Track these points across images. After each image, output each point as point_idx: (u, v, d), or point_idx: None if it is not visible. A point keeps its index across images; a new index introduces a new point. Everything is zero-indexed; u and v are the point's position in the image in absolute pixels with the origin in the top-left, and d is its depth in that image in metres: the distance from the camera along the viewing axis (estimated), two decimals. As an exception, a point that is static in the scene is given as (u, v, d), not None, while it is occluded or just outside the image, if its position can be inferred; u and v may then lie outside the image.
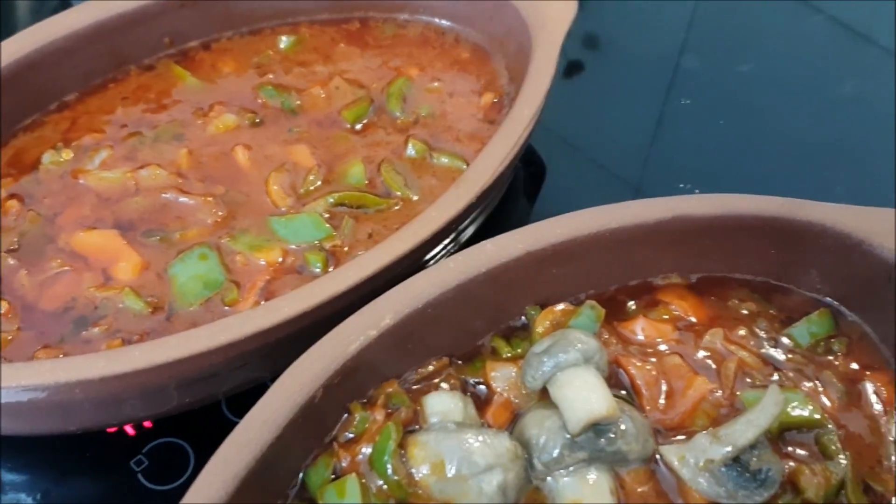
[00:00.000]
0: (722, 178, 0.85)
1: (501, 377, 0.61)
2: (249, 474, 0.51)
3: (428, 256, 0.67)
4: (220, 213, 0.71)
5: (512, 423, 0.60)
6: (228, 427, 0.65)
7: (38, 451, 0.64)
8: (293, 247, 0.69)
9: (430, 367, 0.62)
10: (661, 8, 1.04)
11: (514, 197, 0.86)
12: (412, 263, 0.65)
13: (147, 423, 0.65)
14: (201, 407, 0.63)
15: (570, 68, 0.97)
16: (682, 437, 0.59)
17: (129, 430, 0.65)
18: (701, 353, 0.63)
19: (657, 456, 0.58)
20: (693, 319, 0.65)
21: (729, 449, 0.55)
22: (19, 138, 0.75)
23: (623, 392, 0.61)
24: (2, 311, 0.64)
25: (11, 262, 0.67)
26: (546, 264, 0.64)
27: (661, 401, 0.61)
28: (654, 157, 0.88)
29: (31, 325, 0.64)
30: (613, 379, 0.61)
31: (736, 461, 0.56)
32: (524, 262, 0.63)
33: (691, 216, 0.65)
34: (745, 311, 0.66)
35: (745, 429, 0.56)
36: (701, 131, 0.90)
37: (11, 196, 0.71)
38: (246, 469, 0.51)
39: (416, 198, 0.73)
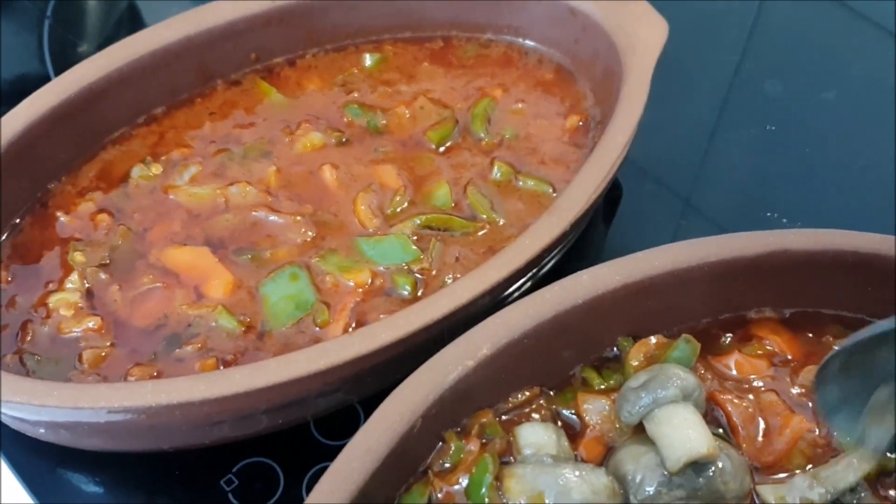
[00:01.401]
0: (809, 208, 0.83)
1: (594, 410, 0.61)
2: (352, 504, 0.51)
3: (517, 285, 0.66)
4: (309, 233, 0.70)
5: (605, 457, 0.59)
6: (317, 447, 0.65)
7: (125, 466, 0.64)
8: (381, 269, 0.69)
9: (522, 397, 0.61)
10: (735, 26, 1.03)
11: (593, 223, 0.85)
12: (502, 292, 0.65)
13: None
14: (290, 428, 0.63)
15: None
16: (779, 475, 0.58)
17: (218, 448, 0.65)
18: (796, 390, 0.62)
19: (753, 495, 0.57)
20: (788, 355, 0.64)
21: (829, 491, 0.54)
22: (108, 151, 0.76)
23: (720, 430, 0.60)
24: (95, 328, 0.64)
25: (103, 276, 0.67)
26: (642, 297, 0.63)
27: (758, 439, 0.60)
28: (733, 185, 0.87)
29: (123, 342, 0.64)
30: (709, 416, 0.60)
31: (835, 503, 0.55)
32: (620, 294, 0.62)
33: (791, 251, 0.64)
34: (839, 348, 0.65)
35: (846, 471, 0.55)
36: (785, 159, 0.89)
37: (101, 210, 0.72)
38: (349, 499, 0.50)
39: (502, 221, 0.73)
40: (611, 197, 0.87)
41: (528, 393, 0.61)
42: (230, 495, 0.63)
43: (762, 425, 0.60)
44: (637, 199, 0.87)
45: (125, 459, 0.64)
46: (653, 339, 0.63)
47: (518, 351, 0.59)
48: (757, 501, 0.57)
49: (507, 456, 0.58)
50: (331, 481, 0.51)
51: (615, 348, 0.64)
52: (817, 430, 0.60)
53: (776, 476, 0.59)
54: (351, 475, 0.51)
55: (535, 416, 0.61)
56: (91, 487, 0.64)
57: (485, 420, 0.59)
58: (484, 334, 0.58)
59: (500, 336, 0.59)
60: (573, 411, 0.61)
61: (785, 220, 0.82)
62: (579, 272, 0.62)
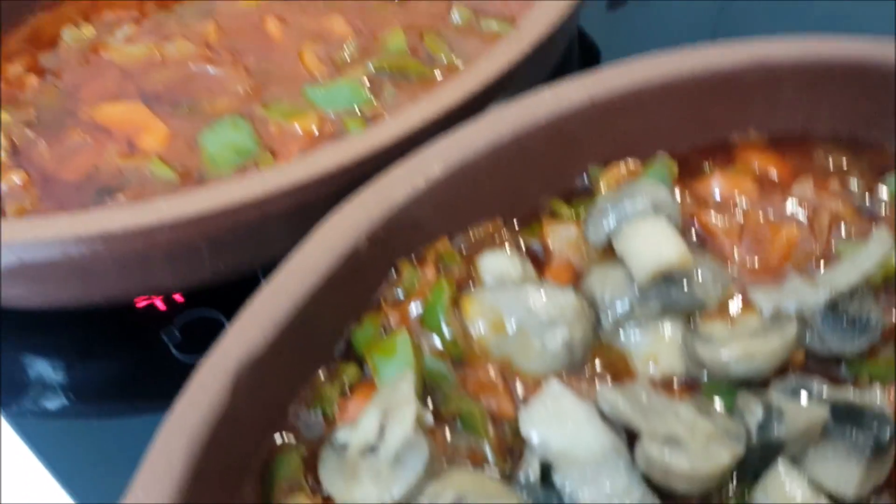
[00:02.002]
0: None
1: (560, 237, 0.55)
2: (289, 323, 0.46)
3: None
4: (251, 84, 0.66)
5: (573, 284, 0.54)
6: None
7: (61, 328, 0.60)
8: (331, 115, 0.64)
9: (483, 230, 0.56)
10: None
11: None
12: (457, 121, 0.59)
13: (179, 298, 0.60)
14: (240, 280, 0.58)
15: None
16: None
17: (161, 305, 0.60)
18: (789, 205, 0.57)
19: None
20: (774, 173, 0.59)
21: (828, 292, 0.49)
22: (37, 17, 0.71)
23: (700, 245, 0.54)
24: (20, 183, 0.60)
25: (30, 134, 0.63)
26: (612, 116, 0.57)
27: (747, 254, 0.54)
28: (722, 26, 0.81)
29: (50, 196, 0.60)
30: (689, 234, 0.55)
31: (833, 309, 0.49)
32: (588, 113, 0.57)
33: (772, 62, 0.59)
34: (833, 165, 0.59)
35: (848, 271, 0.49)
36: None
37: (29, 71, 0.67)
38: (285, 318, 0.46)
39: (461, 64, 0.67)
40: (587, 59, 0.82)
41: (490, 225, 0.56)
42: (173, 350, 0.58)
43: (750, 239, 0.55)
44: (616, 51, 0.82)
45: (58, 319, 0.59)
46: (626, 165, 0.58)
47: (475, 175, 0.54)
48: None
49: (466, 285, 0.53)
50: (263, 298, 0.46)
51: (585, 177, 0.59)
52: (813, 243, 0.55)
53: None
54: (286, 293, 0.46)
55: (500, 247, 0.56)
56: (28, 357, 0.60)
57: (442, 248, 0.54)
58: (436, 153, 0.53)
59: (453, 154, 0.53)
60: (538, 242, 0.56)
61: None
62: (542, 88, 0.56)
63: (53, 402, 0.58)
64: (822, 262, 0.54)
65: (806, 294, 0.49)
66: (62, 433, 0.57)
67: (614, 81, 0.57)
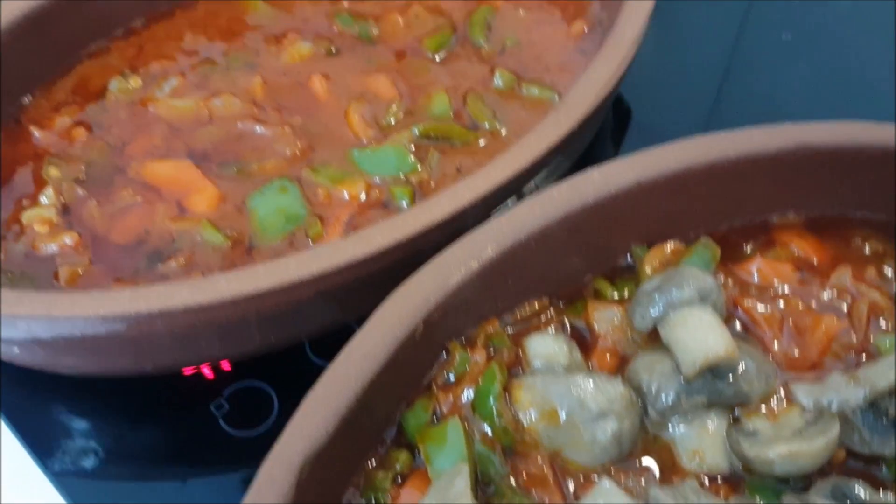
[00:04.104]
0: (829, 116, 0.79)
1: (604, 319, 0.56)
2: (350, 412, 0.46)
3: (521, 192, 0.62)
4: (298, 145, 0.66)
5: (618, 369, 0.55)
6: (314, 371, 0.60)
7: (109, 394, 0.60)
8: (377, 180, 0.64)
9: (530, 308, 0.57)
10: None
11: (601, 142, 0.80)
12: (506, 196, 0.60)
13: (227, 367, 0.61)
14: (285, 350, 0.59)
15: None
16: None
17: (209, 373, 0.61)
18: (827, 294, 0.58)
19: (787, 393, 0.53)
20: (814, 260, 0.60)
21: (867, 391, 0.50)
22: (84, 65, 0.72)
23: (743, 333, 0.56)
24: (71, 244, 0.60)
25: (80, 191, 0.63)
26: (657, 197, 0.58)
27: (788, 344, 0.56)
28: (753, 96, 0.82)
29: (102, 259, 0.60)
30: (732, 321, 0.56)
31: (872, 406, 0.50)
32: (633, 194, 0.57)
33: (815, 145, 0.59)
34: (870, 251, 0.61)
35: (887, 371, 0.50)
36: (804, 66, 0.84)
37: (77, 124, 0.67)
38: (347, 406, 0.46)
39: (504, 131, 0.68)
40: (620, 114, 0.83)
41: (536, 304, 0.57)
42: (221, 421, 0.59)
43: (791, 329, 0.56)
44: (649, 115, 0.83)
45: (106, 385, 0.60)
46: (669, 245, 0.59)
47: (525, 254, 0.55)
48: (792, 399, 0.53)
49: (515, 369, 0.54)
50: (326, 387, 0.47)
51: (629, 256, 0.60)
52: (852, 334, 0.56)
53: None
54: (348, 381, 0.47)
55: (545, 327, 0.57)
56: (75, 419, 0.60)
57: (491, 330, 0.55)
58: (489, 234, 0.54)
59: (506, 236, 0.54)
60: (583, 323, 0.57)
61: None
62: (589, 169, 0.57)
63: (96, 463, 0.58)
64: (862, 355, 0.55)
65: (847, 392, 0.50)
66: (104, 494, 0.58)
67: (660, 164, 0.58)
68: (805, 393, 0.51)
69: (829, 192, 0.62)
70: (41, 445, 0.59)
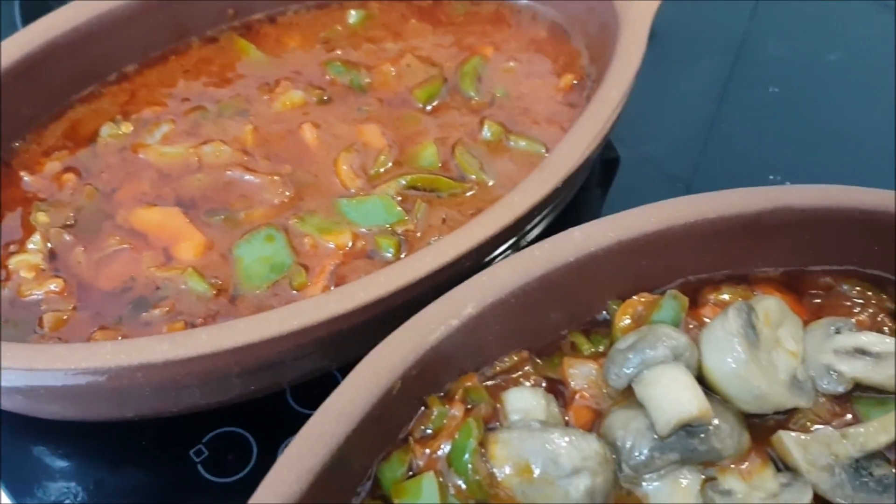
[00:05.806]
0: (812, 170, 0.80)
1: (580, 375, 0.57)
2: (324, 469, 0.47)
3: (505, 245, 0.63)
4: (287, 193, 0.67)
5: (594, 423, 0.56)
6: (293, 417, 0.62)
7: (91, 437, 0.61)
8: (364, 230, 0.65)
9: (509, 361, 0.57)
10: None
11: (588, 191, 0.81)
12: (490, 252, 0.61)
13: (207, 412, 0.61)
14: (265, 396, 0.59)
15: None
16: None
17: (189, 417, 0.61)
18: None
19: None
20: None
21: (856, 449, 0.51)
22: (76, 109, 0.72)
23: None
24: (57, 290, 0.61)
25: (67, 237, 0.64)
26: (636, 255, 0.59)
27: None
28: (738, 148, 0.83)
29: (87, 305, 0.61)
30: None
31: (858, 463, 0.51)
32: (614, 253, 0.58)
33: (793, 207, 0.60)
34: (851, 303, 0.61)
35: (877, 433, 0.51)
36: (789, 121, 0.85)
37: (68, 169, 0.68)
38: (321, 464, 0.47)
39: (491, 182, 0.69)
40: (607, 162, 0.84)
41: (515, 357, 0.58)
42: (199, 467, 0.59)
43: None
44: (635, 164, 0.84)
45: (90, 430, 0.60)
46: (640, 298, 0.59)
47: (505, 311, 0.56)
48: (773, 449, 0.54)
49: (493, 423, 0.54)
50: (301, 445, 0.47)
51: (605, 311, 0.61)
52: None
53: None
54: (324, 438, 0.47)
55: (523, 381, 0.57)
56: (55, 460, 0.61)
57: (469, 384, 0.55)
58: (469, 292, 0.55)
59: (485, 294, 0.55)
60: (560, 375, 0.57)
61: (788, 183, 0.78)
62: (571, 229, 0.58)
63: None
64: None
65: (835, 447, 0.51)
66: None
67: (641, 224, 0.59)
68: (793, 443, 0.52)
69: (803, 251, 0.63)
70: (19, 486, 0.59)
